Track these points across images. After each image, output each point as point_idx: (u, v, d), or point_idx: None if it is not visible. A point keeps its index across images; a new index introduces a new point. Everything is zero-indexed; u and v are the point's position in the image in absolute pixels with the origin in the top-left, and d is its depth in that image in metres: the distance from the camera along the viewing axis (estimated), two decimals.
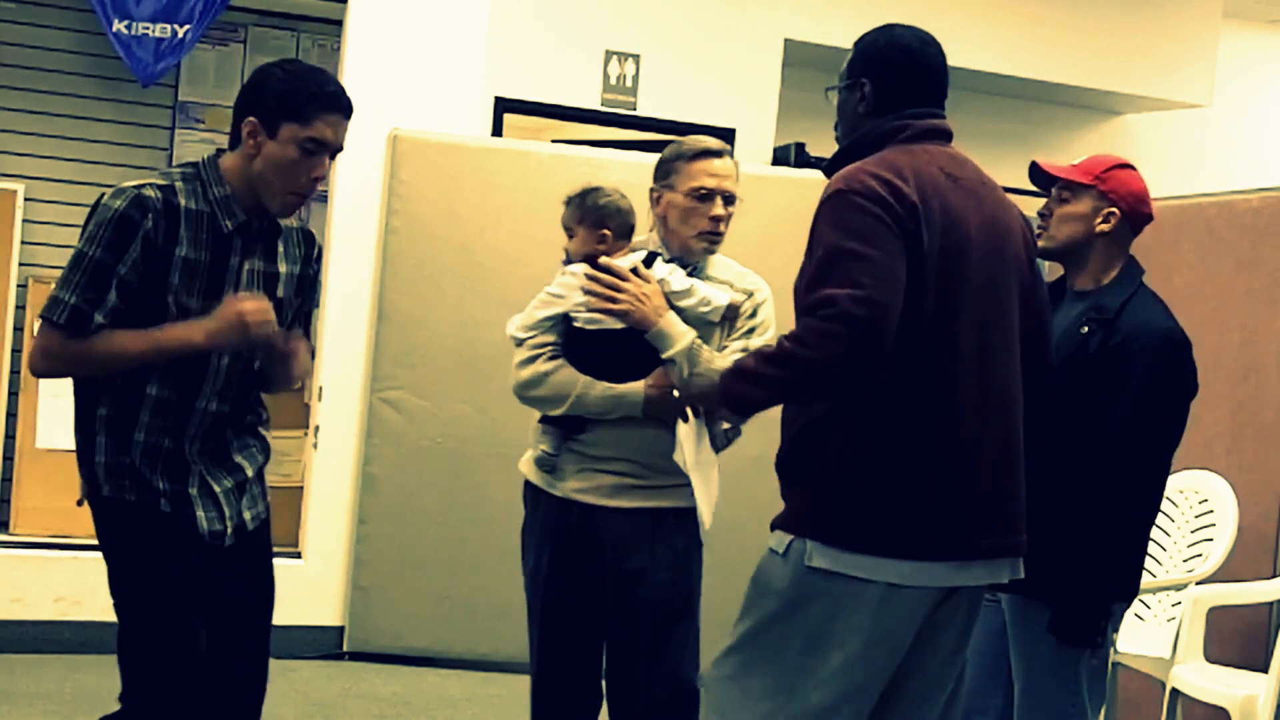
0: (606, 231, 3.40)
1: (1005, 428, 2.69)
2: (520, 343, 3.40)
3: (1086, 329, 3.05)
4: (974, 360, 2.63)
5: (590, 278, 3.26)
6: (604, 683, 3.42)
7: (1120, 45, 7.44)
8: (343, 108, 2.83)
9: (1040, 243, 3.18)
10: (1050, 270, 3.45)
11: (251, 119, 2.79)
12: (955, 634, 2.73)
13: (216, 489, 2.88)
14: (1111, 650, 3.43)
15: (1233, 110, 8.26)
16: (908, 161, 2.64)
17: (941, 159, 2.70)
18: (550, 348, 3.35)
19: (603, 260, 3.30)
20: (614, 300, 3.23)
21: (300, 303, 3.04)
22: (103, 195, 2.76)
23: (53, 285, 2.78)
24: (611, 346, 3.28)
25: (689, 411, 2.93)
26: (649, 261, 3.33)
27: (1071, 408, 3.03)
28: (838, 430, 2.62)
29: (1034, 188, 3.27)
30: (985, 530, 2.65)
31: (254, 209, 2.85)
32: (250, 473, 2.97)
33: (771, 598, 2.66)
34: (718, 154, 3.33)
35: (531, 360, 3.35)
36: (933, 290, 2.58)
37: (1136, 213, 3.14)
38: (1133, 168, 3.18)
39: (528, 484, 3.46)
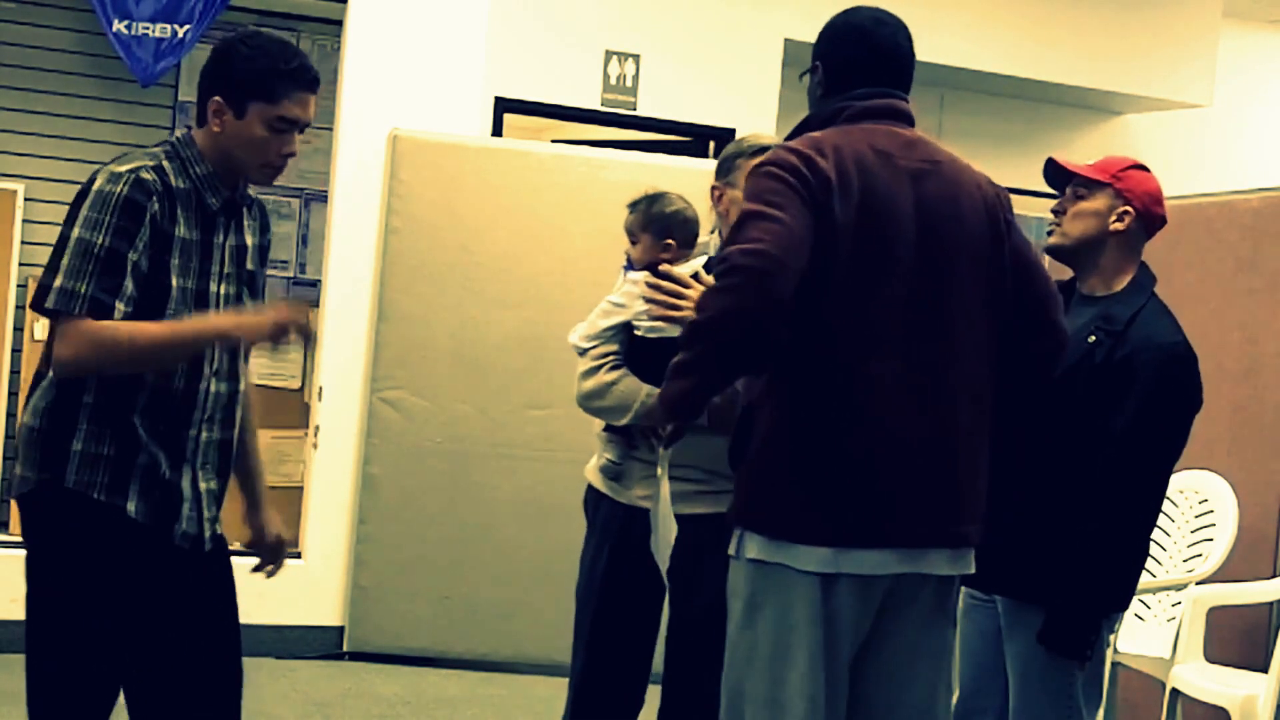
0: (671, 241, 3.37)
1: (943, 412, 2.59)
2: (583, 352, 3.37)
3: (1094, 338, 3.03)
4: (897, 341, 2.55)
5: (651, 286, 3.21)
6: (660, 688, 3.39)
7: (1120, 45, 7.44)
8: (310, 84, 2.76)
9: (1052, 240, 3.16)
10: (1056, 271, 3.44)
11: (217, 99, 2.73)
12: (913, 629, 2.64)
13: (202, 487, 2.79)
14: (1109, 650, 3.42)
15: (1233, 110, 8.25)
16: (834, 139, 2.59)
17: (878, 137, 2.62)
18: (613, 357, 3.32)
19: (663, 267, 3.27)
20: (676, 308, 3.18)
21: (264, 275, 2.99)
22: (93, 180, 2.67)
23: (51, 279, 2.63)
24: (674, 355, 3.25)
25: (654, 444, 2.87)
26: (709, 267, 3.30)
27: (1073, 416, 3.02)
28: (762, 415, 2.59)
29: (1034, 188, 3.26)
30: (912, 518, 2.57)
31: (235, 181, 2.81)
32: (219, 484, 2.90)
33: (735, 605, 2.64)
34: None
35: (594, 371, 3.32)
36: (845, 265, 2.51)
37: (1150, 213, 3.12)
38: (1147, 170, 3.17)
39: (589, 490, 3.46)
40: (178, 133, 2.83)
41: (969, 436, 2.64)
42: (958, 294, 2.62)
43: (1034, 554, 3.03)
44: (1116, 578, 3.02)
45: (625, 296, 3.32)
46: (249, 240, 2.90)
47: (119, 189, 2.64)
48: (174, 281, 2.70)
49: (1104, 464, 2.98)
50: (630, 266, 3.40)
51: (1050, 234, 3.18)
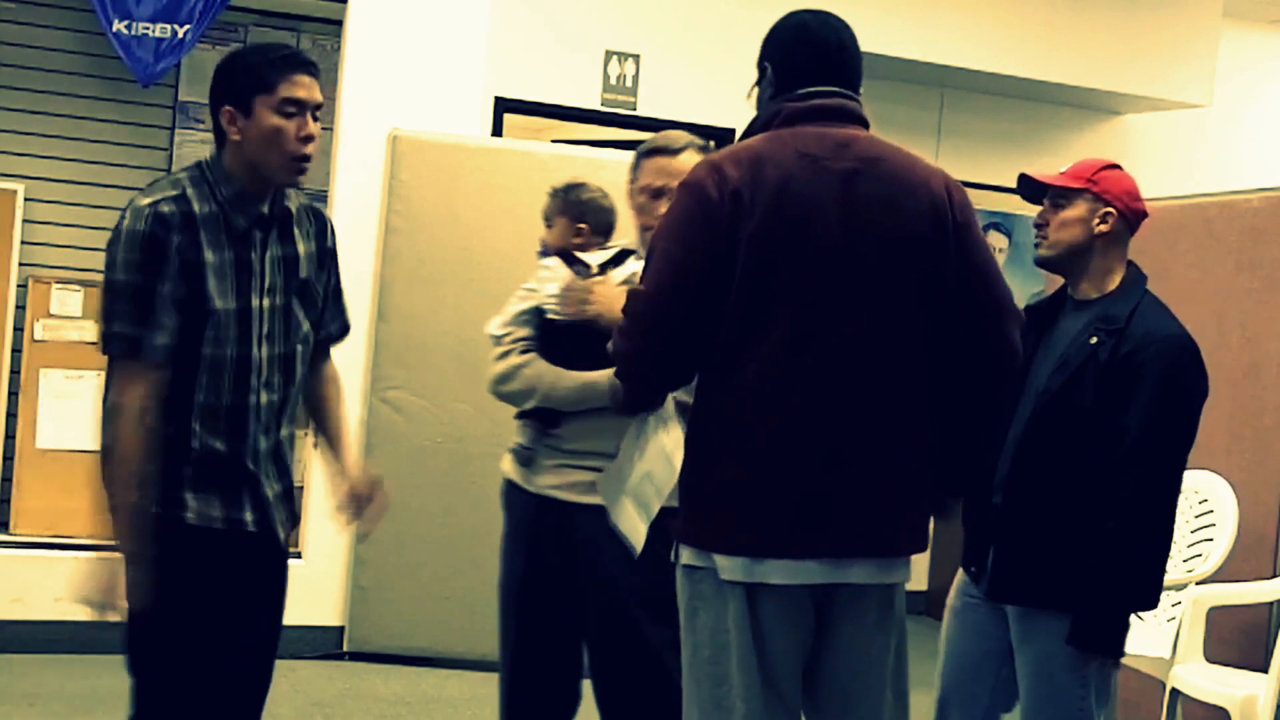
0: (584, 225, 3.52)
1: (867, 418, 2.55)
2: (498, 340, 3.41)
3: (1096, 339, 3.03)
4: (816, 346, 2.53)
5: (564, 290, 3.20)
6: (591, 682, 3.39)
7: (1120, 45, 7.44)
8: (302, 64, 2.81)
9: (1040, 252, 3.17)
10: (1049, 282, 3.45)
11: (226, 108, 2.78)
12: (856, 639, 2.63)
13: (269, 493, 2.88)
14: None
15: (1233, 110, 8.26)
16: (758, 146, 2.59)
17: (805, 139, 2.59)
18: (524, 341, 3.35)
19: (576, 253, 3.33)
20: (586, 303, 3.17)
21: (327, 278, 3.05)
22: (122, 221, 2.73)
23: (95, 307, 2.76)
24: (585, 337, 3.22)
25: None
26: (621, 257, 3.34)
27: (1083, 420, 3.01)
28: (691, 422, 2.66)
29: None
30: (834, 528, 2.54)
31: (265, 196, 2.84)
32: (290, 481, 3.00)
33: (680, 610, 2.68)
34: (673, 151, 3.28)
35: (505, 355, 3.37)
36: (753, 274, 2.51)
37: (1131, 210, 3.14)
38: (1120, 167, 3.19)
39: (506, 484, 3.44)
40: (207, 154, 2.87)
41: (897, 443, 2.59)
42: (890, 295, 2.57)
43: (1050, 561, 3.03)
44: (1143, 573, 3.01)
45: (537, 281, 3.35)
46: (300, 248, 2.94)
47: (141, 226, 2.71)
48: (215, 305, 2.76)
49: (1120, 460, 2.97)
50: (546, 253, 3.45)
51: (1037, 246, 3.20)
